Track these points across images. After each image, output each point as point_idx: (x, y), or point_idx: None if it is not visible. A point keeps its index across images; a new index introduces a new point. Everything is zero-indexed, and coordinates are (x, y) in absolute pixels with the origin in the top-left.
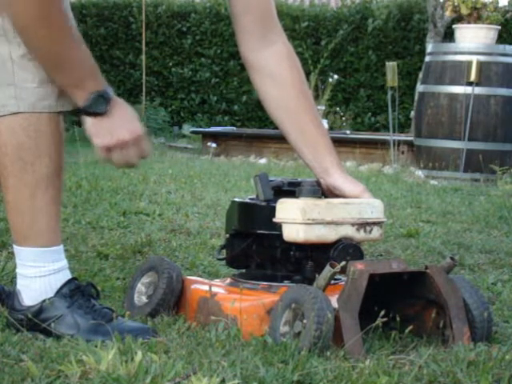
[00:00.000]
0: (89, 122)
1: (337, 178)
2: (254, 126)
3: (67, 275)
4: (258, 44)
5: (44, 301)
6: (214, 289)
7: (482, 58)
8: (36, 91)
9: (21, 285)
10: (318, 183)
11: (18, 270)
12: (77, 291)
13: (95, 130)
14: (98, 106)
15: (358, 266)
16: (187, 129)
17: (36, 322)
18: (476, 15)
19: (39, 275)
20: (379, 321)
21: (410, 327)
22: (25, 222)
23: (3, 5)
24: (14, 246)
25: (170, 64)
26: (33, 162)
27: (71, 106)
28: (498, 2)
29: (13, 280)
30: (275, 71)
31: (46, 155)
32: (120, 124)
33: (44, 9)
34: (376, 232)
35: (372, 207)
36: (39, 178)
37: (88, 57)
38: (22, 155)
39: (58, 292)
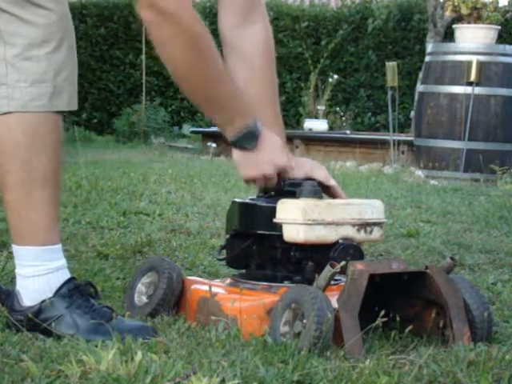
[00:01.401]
0: (237, 154)
1: None
2: None
3: (66, 274)
4: (237, 20)
5: (43, 301)
6: (214, 289)
7: (482, 58)
8: (29, 91)
9: (20, 285)
10: (319, 184)
11: (16, 271)
12: (75, 291)
13: (242, 162)
14: (247, 142)
15: (358, 266)
16: (187, 129)
17: (36, 322)
18: (476, 15)
19: (37, 274)
20: (379, 321)
21: (410, 327)
22: (22, 220)
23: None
24: (13, 246)
25: None
26: (29, 160)
27: (66, 106)
28: (497, 2)
29: (13, 280)
30: (247, 53)
31: (42, 154)
32: (266, 159)
33: (195, 59)
34: (376, 233)
35: (372, 208)
36: (36, 176)
37: (236, 93)
38: (19, 153)
39: (56, 292)
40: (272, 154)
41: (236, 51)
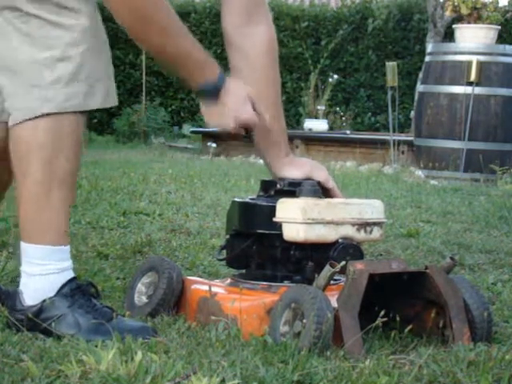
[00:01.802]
0: (202, 105)
1: (279, 167)
2: None
3: (70, 275)
4: (241, 20)
5: (44, 300)
6: (214, 289)
7: (482, 58)
8: (63, 91)
9: (23, 284)
10: (319, 183)
11: (22, 268)
12: (77, 291)
13: (207, 113)
14: (208, 95)
15: (358, 265)
16: (187, 129)
17: (36, 321)
18: (476, 15)
19: (43, 273)
20: (379, 321)
21: (410, 327)
22: (36, 219)
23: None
24: (22, 243)
25: None
26: (50, 160)
27: (100, 104)
28: (498, 2)
29: (13, 280)
30: (251, 53)
31: (63, 155)
32: (228, 112)
33: (143, 17)
34: (376, 232)
35: (372, 207)
36: (55, 177)
37: (195, 46)
38: (41, 154)
39: (58, 291)
40: (234, 107)
41: (239, 51)
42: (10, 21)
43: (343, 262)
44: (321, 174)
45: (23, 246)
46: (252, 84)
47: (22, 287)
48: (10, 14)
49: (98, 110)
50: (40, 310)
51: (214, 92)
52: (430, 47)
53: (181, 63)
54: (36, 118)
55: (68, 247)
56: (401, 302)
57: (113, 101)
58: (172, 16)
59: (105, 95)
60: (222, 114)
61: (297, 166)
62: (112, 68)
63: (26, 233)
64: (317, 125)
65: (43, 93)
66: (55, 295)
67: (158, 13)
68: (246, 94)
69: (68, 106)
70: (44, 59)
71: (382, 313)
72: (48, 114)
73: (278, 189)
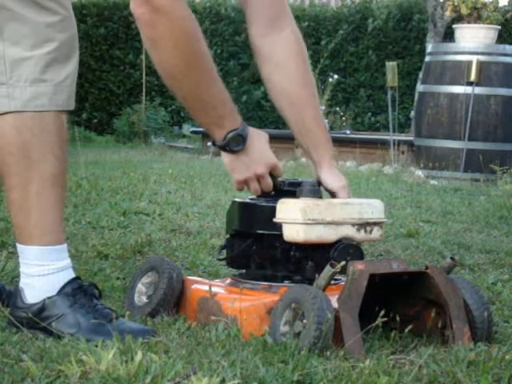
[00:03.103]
0: (227, 157)
1: (323, 170)
2: (254, 125)
3: (70, 274)
4: (265, 29)
5: (46, 299)
6: (214, 289)
7: (482, 57)
8: (28, 90)
9: (24, 283)
10: (319, 183)
11: (21, 269)
12: (79, 290)
13: (233, 165)
14: (235, 145)
15: (358, 266)
16: (187, 129)
17: (37, 320)
18: (476, 15)
19: (43, 274)
20: (379, 321)
21: (410, 327)
22: (31, 220)
23: (150, 53)
24: (18, 245)
25: None
26: (39, 160)
27: (65, 105)
28: (498, 2)
29: (13, 280)
30: (281, 58)
31: (51, 153)
32: (255, 158)
33: (189, 58)
34: (376, 232)
35: (372, 207)
36: (45, 176)
37: (226, 95)
38: (28, 154)
39: (60, 290)
40: (261, 152)
41: (270, 58)
42: None
43: (343, 262)
44: (344, 193)
45: (19, 247)
46: (288, 87)
47: (22, 285)
48: None
49: (97, 110)
50: (42, 308)
51: (242, 140)
52: (429, 47)
53: (214, 110)
54: (15, 116)
55: (64, 245)
56: (401, 302)
57: (72, 104)
58: (212, 63)
59: (69, 97)
60: (250, 162)
61: (337, 177)
62: (76, 75)
63: (20, 234)
64: None
65: (10, 90)
66: (57, 294)
67: (203, 62)
68: (267, 138)
69: (33, 105)
70: (12, 56)
71: (382, 313)
72: (28, 113)
73: (277, 189)
